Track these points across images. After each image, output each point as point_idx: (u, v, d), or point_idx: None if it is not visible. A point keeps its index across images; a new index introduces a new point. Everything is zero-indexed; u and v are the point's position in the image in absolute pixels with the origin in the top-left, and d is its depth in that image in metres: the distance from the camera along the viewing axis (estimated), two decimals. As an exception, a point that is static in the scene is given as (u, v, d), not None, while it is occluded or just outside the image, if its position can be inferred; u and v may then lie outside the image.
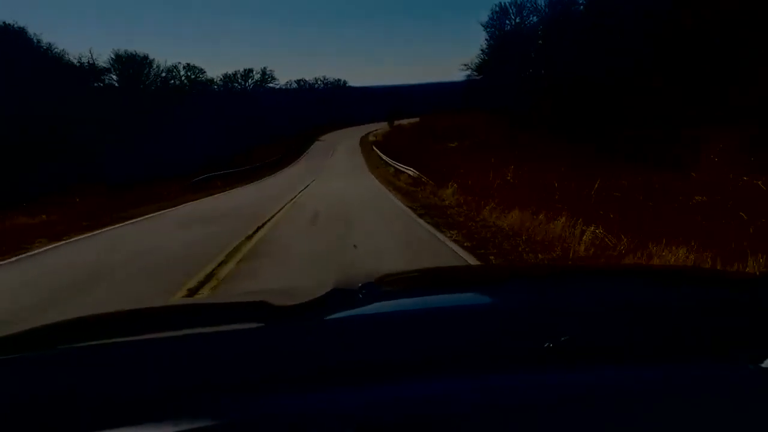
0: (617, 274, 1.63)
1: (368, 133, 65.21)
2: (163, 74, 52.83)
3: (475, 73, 50.32)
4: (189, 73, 56.90)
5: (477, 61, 47.82)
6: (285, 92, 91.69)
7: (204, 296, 5.35)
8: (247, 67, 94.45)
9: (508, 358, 0.72)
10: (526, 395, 0.59)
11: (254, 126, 59.13)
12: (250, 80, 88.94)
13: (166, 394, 0.66)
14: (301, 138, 59.54)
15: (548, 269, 2.28)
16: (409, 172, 20.42)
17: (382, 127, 67.16)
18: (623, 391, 0.60)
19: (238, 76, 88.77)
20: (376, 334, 0.88)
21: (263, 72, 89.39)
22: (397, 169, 24.57)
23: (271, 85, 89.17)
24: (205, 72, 58.18)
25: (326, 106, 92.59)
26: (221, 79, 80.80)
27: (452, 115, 49.03)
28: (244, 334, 0.96)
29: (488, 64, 46.93)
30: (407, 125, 58.32)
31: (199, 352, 0.84)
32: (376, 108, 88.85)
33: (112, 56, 46.35)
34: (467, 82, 51.58)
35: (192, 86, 57.11)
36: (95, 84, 46.29)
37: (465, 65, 50.19)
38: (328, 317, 1.02)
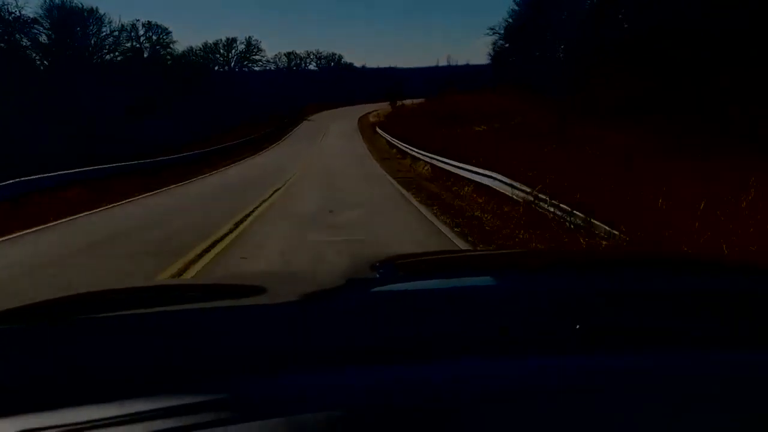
0: (646, 261, 1.53)
1: (366, 114, 55.95)
2: (116, 34, 42.45)
3: (501, 41, 40.61)
4: (151, 35, 46.50)
5: (505, 24, 37.99)
6: (274, 72, 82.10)
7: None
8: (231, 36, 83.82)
9: (533, 341, 0.71)
10: (550, 379, 0.59)
11: (232, 105, 49.79)
12: (233, 51, 79.57)
13: (169, 372, 0.66)
14: (285, 117, 49.79)
15: (571, 256, 2.00)
16: (483, 180, 9.61)
17: (380, 107, 58.62)
18: (652, 378, 0.60)
19: (220, 46, 79.19)
20: (396, 315, 0.88)
21: (248, 42, 79.82)
22: (435, 167, 14.40)
23: (257, 57, 79.77)
24: (170, 33, 47.84)
25: (318, 85, 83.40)
26: (200, 50, 71.06)
27: (470, 95, 40.03)
28: (266, 314, 0.93)
29: (521, 30, 37.16)
30: (411, 106, 49.91)
31: (220, 330, 0.83)
32: (371, 88, 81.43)
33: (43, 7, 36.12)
34: (493, 54, 41.93)
35: (154, 52, 46.72)
36: (20, 40, 35.90)
37: (491, 29, 40.46)
38: (348, 298, 1.00)
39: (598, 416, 0.53)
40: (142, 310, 1.04)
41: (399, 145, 22.41)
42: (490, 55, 42.73)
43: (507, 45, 39.65)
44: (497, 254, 2.39)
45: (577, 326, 0.72)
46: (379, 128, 34.12)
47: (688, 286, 1.07)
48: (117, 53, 42.54)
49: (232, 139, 32.69)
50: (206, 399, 0.54)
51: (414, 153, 18.36)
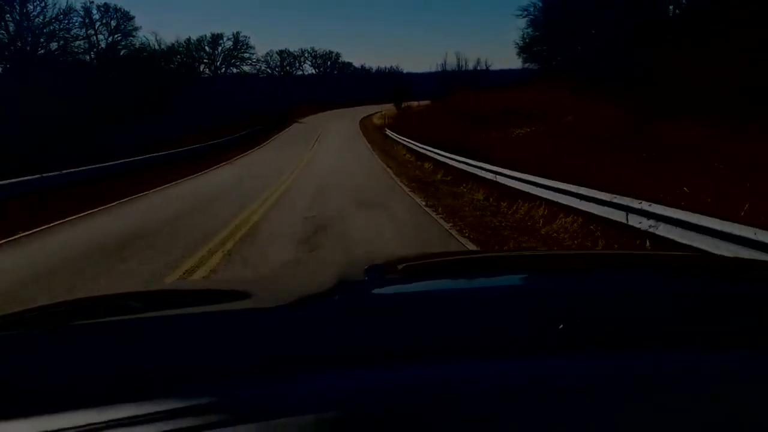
0: (634, 264, 1.49)
1: (369, 115, 48.86)
2: (61, 17, 34.65)
3: (533, 29, 33.16)
4: (108, 20, 38.57)
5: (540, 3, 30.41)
6: (266, 77, 75.02)
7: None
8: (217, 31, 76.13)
9: (523, 343, 0.72)
10: (538, 380, 0.60)
11: (215, 105, 44.57)
12: (219, 48, 72.05)
13: (163, 375, 0.67)
14: (273, 120, 42.24)
15: (568, 258, 1.91)
16: None
17: (383, 109, 52.21)
18: (640, 379, 0.60)
19: (205, 43, 71.67)
20: (385, 318, 0.87)
21: (236, 39, 72.30)
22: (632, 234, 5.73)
23: (246, 55, 72.23)
24: (133, 18, 39.96)
25: (313, 86, 76.32)
26: (182, 46, 63.52)
27: (495, 93, 32.82)
28: (252, 318, 0.93)
29: (561, 8, 29.66)
30: (417, 108, 43.69)
31: (213, 335, 0.83)
32: (372, 89, 76.99)
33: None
34: (522, 43, 34.49)
35: (114, 44, 39.00)
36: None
37: (524, 10, 33.11)
38: (335, 302, 1.00)
39: (586, 417, 0.53)
40: (138, 315, 1.05)
41: (437, 157, 14.63)
42: (517, 44, 35.24)
43: (544, 28, 32.10)
44: (493, 256, 2.30)
45: (561, 326, 0.72)
46: (390, 131, 26.57)
47: (683, 287, 1.06)
48: (63, 41, 34.71)
49: (203, 141, 25.72)
50: (200, 403, 0.55)
51: (494, 176, 9.72)
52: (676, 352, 0.66)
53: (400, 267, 1.41)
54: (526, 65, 35.16)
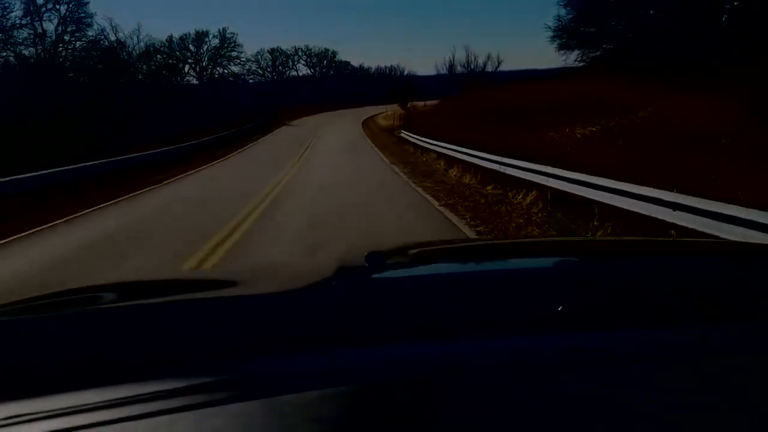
0: (627, 250, 1.54)
1: (373, 116, 42.51)
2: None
3: (569, 8, 27.12)
4: (56, 5, 31.85)
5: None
6: (257, 77, 69.21)
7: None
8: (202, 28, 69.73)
9: (518, 322, 0.74)
10: (534, 356, 0.62)
11: (198, 107, 39.52)
12: (204, 47, 65.83)
13: (170, 356, 0.68)
14: (256, 123, 35.84)
15: (565, 245, 1.93)
16: None
17: (386, 109, 46.78)
18: (632, 354, 0.62)
19: (188, 41, 65.44)
20: (385, 300, 0.89)
21: (222, 36, 66.04)
22: None
23: (233, 53, 66.01)
24: (87, 3, 33.33)
25: (307, 87, 70.23)
26: (164, 45, 57.18)
27: (524, 87, 26.83)
28: (255, 303, 0.95)
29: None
30: (424, 107, 38.84)
31: (210, 318, 0.85)
32: (372, 89, 72.23)
33: None
34: (558, 25, 28.32)
35: (67, 34, 32.63)
36: None
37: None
38: (337, 285, 1.02)
39: (579, 390, 0.55)
40: (146, 301, 1.06)
41: (529, 177, 8.08)
42: (549, 27, 28.99)
43: (587, 4, 25.98)
44: (495, 244, 2.34)
45: (559, 308, 0.73)
46: (407, 133, 20.49)
47: (681, 268, 1.07)
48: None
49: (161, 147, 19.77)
50: (207, 381, 0.56)
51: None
52: (671, 328, 0.67)
53: (400, 253, 1.40)
54: (562, 52, 28.93)
